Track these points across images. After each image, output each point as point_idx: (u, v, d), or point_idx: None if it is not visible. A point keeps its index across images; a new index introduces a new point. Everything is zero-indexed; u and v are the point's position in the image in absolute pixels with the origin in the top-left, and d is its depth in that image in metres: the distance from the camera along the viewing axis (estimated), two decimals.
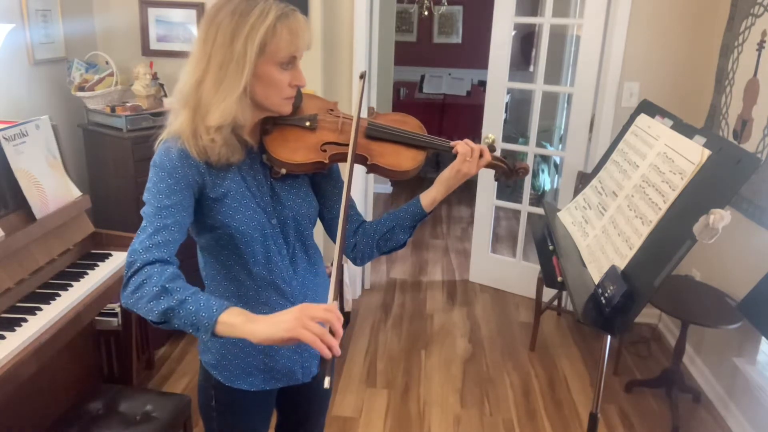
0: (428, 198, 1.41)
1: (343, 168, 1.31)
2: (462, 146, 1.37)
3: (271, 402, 1.52)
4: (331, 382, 1.01)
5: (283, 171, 1.32)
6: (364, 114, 1.43)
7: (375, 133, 1.38)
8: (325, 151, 1.33)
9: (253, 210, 1.30)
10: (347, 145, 1.31)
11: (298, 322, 1.04)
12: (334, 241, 1.45)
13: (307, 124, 1.34)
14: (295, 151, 1.31)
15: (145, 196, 1.22)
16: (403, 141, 1.39)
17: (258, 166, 1.34)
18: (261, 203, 1.32)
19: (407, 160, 1.37)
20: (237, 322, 1.08)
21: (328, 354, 1.03)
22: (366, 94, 3.42)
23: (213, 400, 1.44)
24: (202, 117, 1.22)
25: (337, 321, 1.06)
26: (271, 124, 1.32)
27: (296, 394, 1.54)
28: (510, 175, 1.48)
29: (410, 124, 1.44)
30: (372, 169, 1.37)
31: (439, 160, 6.70)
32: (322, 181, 1.44)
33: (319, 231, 1.50)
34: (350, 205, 1.45)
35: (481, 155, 1.38)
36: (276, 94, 1.26)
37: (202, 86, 1.22)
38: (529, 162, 4.04)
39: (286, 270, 1.37)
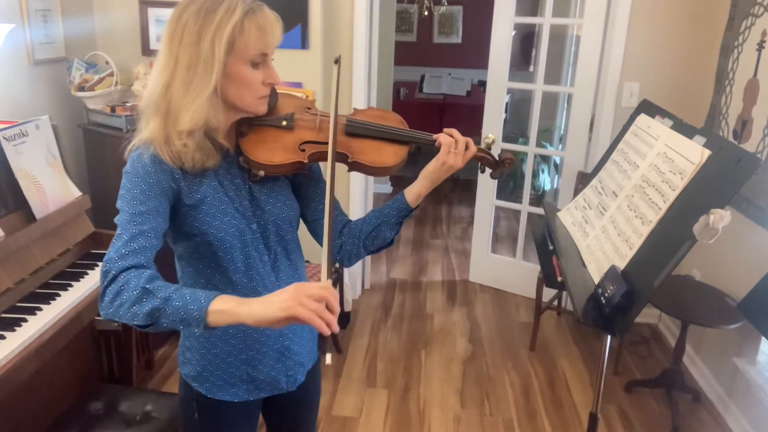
0: (413, 193, 1.35)
1: (324, 167, 1.27)
2: (445, 138, 1.32)
3: (256, 412, 1.47)
4: (332, 358, 1.04)
5: (261, 173, 1.27)
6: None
7: (355, 130, 1.34)
8: (303, 150, 1.28)
9: (231, 216, 1.26)
10: (326, 143, 1.26)
11: (294, 301, 1.01)
12: (320, 244, 1.44)
13: (284, 123, 1.30)
14: (273, 151, 1.26)
15: (119, 204, 1.18)
16: (383, 136, 1.35)
17: (235, 169, 1.29)
18: (240, 208, 1.28)
19: (389, 156, 1.33)
20: (229, 307, 1.04)
21: (326, 331, 1.01)
22: (366, 92, 3.41)
23: (195, 412, 1.39)
24: (173, 122, 1.17)
25: (334, 298, 1.03)
26: (246, 125, 1.28)
27: (283, 403, 1.49)
28: (495, 166, 1.43)
29: (390, 119, 1.39)
30: (353, 166, 1.33)
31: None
32: (302, 182, 1.40)
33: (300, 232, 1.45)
34: (334, 205, 1.40)
35: (466, 147, 1.34)
36: (249, 94, 1.21)
37: (171, 89, 1.17)
38: (529, 162, 4.04)
39: (268, 276, 1.33)
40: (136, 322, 1.07)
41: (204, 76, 1.15)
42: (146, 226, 1.15)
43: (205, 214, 1.24)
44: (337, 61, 1.36)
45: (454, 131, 1.34)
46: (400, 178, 6.61)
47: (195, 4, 1.16)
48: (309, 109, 1.36)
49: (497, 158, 1.43)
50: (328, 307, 1.02)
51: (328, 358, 1.03)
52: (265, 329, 1.33)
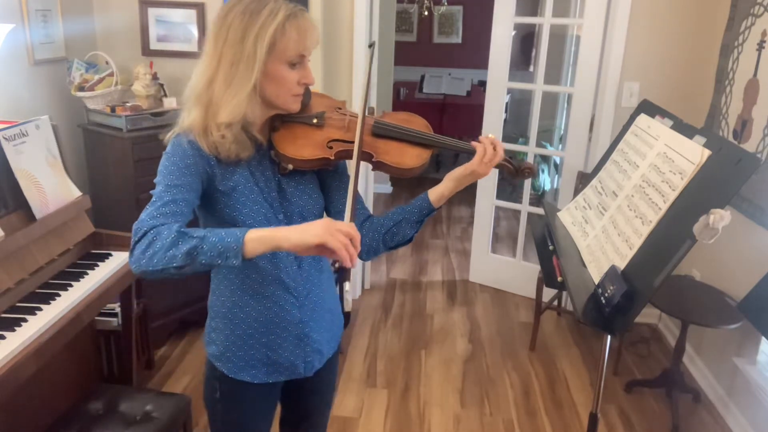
0: (436, 193, 1.42)
1: (350, 165, 1.33)
2: (480, 147, 1.37)
3: (275, 396, 1.54)
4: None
5: (290, 167, 1.35)
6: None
7: (381, 131, 1.41)
8: (331, 147, 1.36)
9: (260, 204, 1.34)
10: (353, 142, 1.34)
11: (326, 231, 1.10)
12: None
13: (315, 121, 1.38)
14: (302, 147, 1.34)
15: (156, 180, 1.26)
16: (408, 139, 1.41)
17: (266, 162, 1.37)
18: (268, 198, 1.36)
19: (412, 157, 1.39)
20: (265, 234, 1.13)
21: (349, 264, 1.11)
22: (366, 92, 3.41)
23: (217, 391, 1.47)
24: (213, 114, 1.26)
25: (358, 236, 1.13)
26: (279, 121, 1.36)
27: (299, 388, 1.56)
28: (515, 175, 1.50)
29: (416, 123, 1.46)
30: (377, 166, 1.40)
31: (439, 160, 6.70)
32: (328, 177, 1.47)
33: None
34: (357, 200, 1.47)
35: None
36: (285, 92, 1.30)
37: (214, 84, 1.26)
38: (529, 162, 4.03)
39: (291, 265, 1.40)
40: (174, 264, 1.12)
41: (245, 74, 1.24)
42: (179, 196, 1.23)
43: (236, 201, 1.31)
44: (371, 46, 1.54)
45: (497, 142, 1.38)
46: (401, 179, 6.61)
47: (241, 4, 1.25)
48: (339, 109, 1.45)
49: (517, 167, 1.49)
50: (353, 243, 1.12)
51: (347, 286, 1.11)
52: (286, 315, 1.40)
